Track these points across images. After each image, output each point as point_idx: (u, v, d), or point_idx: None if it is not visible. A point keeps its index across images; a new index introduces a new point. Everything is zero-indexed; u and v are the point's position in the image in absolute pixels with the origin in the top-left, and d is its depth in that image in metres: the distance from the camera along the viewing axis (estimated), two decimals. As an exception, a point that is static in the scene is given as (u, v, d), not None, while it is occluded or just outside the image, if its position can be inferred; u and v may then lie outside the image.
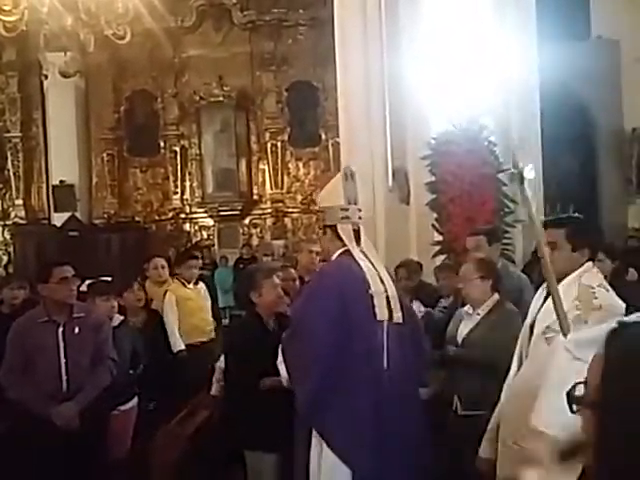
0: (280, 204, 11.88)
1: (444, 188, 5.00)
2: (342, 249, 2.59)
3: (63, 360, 3.08)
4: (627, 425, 0.82)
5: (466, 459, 2.62)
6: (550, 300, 2.21)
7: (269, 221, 11.94)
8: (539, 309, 2.25)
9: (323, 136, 11.75)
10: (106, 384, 3.19)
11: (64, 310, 3.13)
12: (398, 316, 2.52)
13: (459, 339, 3.00)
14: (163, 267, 5.01)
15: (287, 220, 11.94)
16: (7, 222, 11.90)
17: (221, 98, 11.54)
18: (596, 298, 1.98)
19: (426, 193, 5.12)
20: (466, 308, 3.05)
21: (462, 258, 3.85)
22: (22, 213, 11.83)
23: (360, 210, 2.68)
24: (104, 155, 12.04)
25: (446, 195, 4.99)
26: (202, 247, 10.79)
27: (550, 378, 1.94)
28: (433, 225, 5.10)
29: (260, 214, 11.99)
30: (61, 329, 3.10)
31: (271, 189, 11.89)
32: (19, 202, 11.87)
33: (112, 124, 12.02)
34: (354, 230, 2.63)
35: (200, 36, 11.86)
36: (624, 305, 2.11)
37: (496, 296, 2.98)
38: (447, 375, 3.14)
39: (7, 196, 12.03)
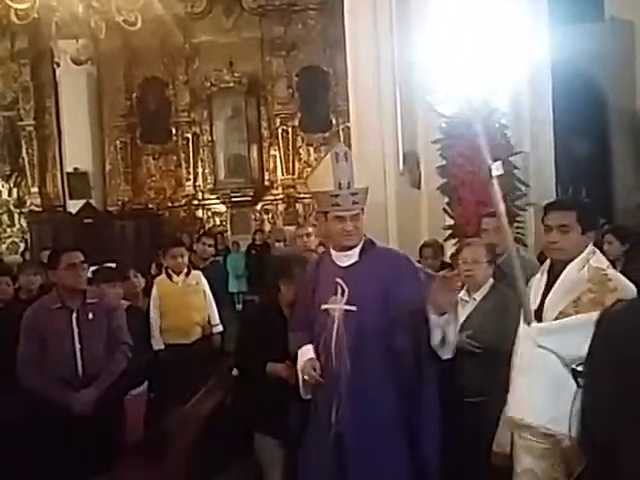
0: (291, 190, 11.90)
1: (455, 172, 4.98)
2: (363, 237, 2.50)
3: (78, 346, 3.08)
4: (600, 390, 0.85)
5: (471, 447, 2.63)
6: (559, 285, 2.20)
7: (281, 207, 11.98)
8: (543, 294, 2.25)
9: (334, 121, 11.72)
10: (122, 369, 3.23)
11: (77, 296, 3.14)
12: None
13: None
14: (182, 256, 4.58)
15: (299, 206, 11.96)
16: (23, 210, 12.05)
17: (232, 84, 11.54)
18: (610, 280, 1.96)
19: (437, 177, 5.12)
20: (461, 294, 2.90)
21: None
22: (37, 201, 11.97)
23: (356, 193, 2.40)
24: (117, 142, 12.12)
25: (457, 178, 4.97)
26: (215, 233, 10.86)
27: (515, 366, 1.96)
28: (444, 209, 5.10)
29: (272, 200, 12.03)
30: (75, 315, 3.10)
31: (282, 175, 11.91)
32: (34, 190, 12.01)
33: (124, 111, 12.08)
34: (337, 217, 2.39)
35: (210, 22, 11.83)
36: (634, 287, 2.11)
37: (491, 280, 2.96)
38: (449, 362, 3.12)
39: (23, 184, 12.17)
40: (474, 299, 2.94)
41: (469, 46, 5.00)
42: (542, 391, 1.99)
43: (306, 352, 2.51)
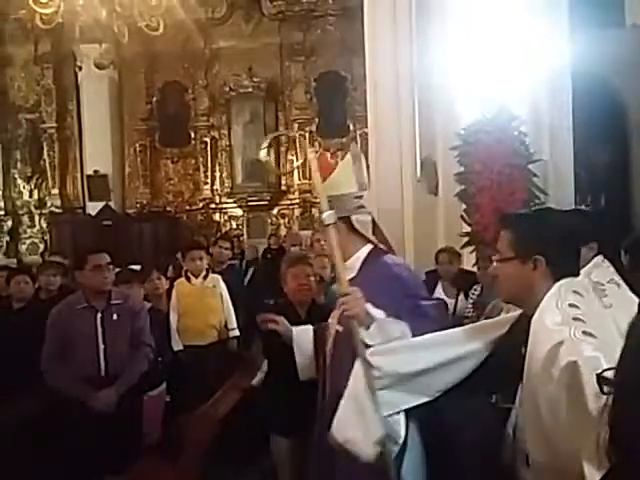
0: (308, 194, 11.92)
1: (473, 178, 4.97)
2: (368, 245, 2.18)
3: (102, 346, 3.14)
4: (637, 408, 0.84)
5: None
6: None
7: (297, 211, 12.01)
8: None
9: (351, 127, 11.74)
10: (144, 370, 3.27)
11: (102, 297, 3.19)
12: None
13: None
14: (201, 259, 4.67)
15: (315, 210, 11.98)
16: (44, 211, 12.21)
17: (250, 89, 11.62)
18: (606, 296, 1.90)
19: (454, 184, 5.11)
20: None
21: (491, 248, 3.85)
22: (58, 202, 12.11)
23: (361, 197, 2.26)
24: (137, 146, 12.25)
25: (475, 186, 4.96)
26: (231, 237, 10.92)
27: (348, 387, 1.92)
28: (462, 216, 5.09)
29: (288, 204, 12.07)
30: (99, 315, 3.16)
31: (299, 180, 11.95)
32: (55, 192, 12.16)
33: (144, 115, 12.22)
34: (372, 220, 2.24)
35: (230, 27, 11.94)
36: (637, 300, 2.02)
37: None
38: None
39: (43, 186, 12.34)
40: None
41: (488, 53, 5.02)
42: (345, 409, 1.91)
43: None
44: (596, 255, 2.08)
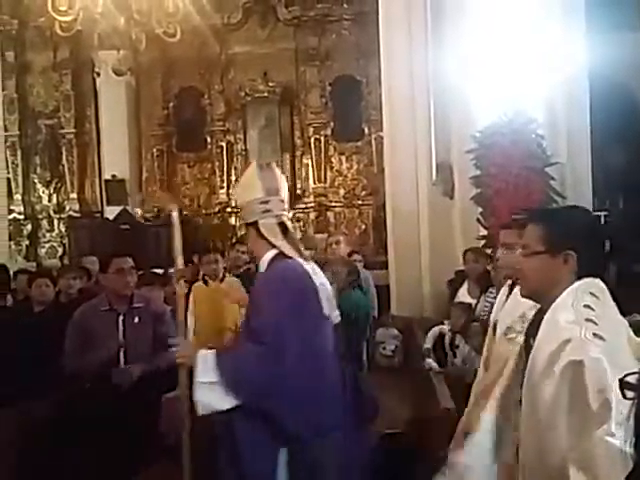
0: (323, 198, 11.96)
1: (489, 182, 4.96)
2: (273, 250, 2.24)
3: (122, 348, 3.19)
4: None
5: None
6: (511, 299, 2.20)
7: (312, 215, 12.03)
8: (502, 308, 2.23)
9: (366, 130, 11.76)
10: (164, 366, 3.29)
11: (124, 299, 3.23)
12: (336, 315, 2.27)
13: None
14: (217, 262, 4.65)
15: (330, 214, 12.00)
16: (62, 215, 12.37)
17: (266, 94, 11.69)
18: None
19: (470, 187, 5.10)
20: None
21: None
22: (76, 207, 12.25)
23: (283, 201, 2.32)
24: (154, 150, 12.36)
25: (491, 189, 4.95)
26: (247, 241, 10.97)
27: None
28: (478, 219, 5.08)
29: (303, 208, 12.09)
30: (121, 318, 3.21)
31: (314, 183, 11.98)
32: (73, 196, 12.30)
33: (161, 120, 12.33)
34: (279, 224, 2.27)
35: (246, 33, 12.01)
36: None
37: None
38: None
39: (62, 190, 12.50)
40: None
41: (505, 55, 5.01)
42: None
43: None
44: None
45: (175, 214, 2.47)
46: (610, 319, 1.48)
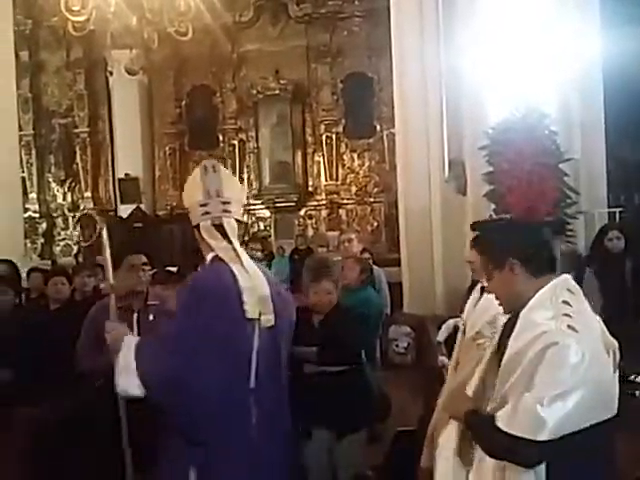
0: (335, 195, 11.96)
1: (502, 178, 4.93)
2: (212, 253, 2.24)
3: None
4: None
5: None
6: (482, 303, 2.18)
7: (324, 212, 12.05)
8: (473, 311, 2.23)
9: (378, 127, 11.74)
10: None
11: (139, 297, 3.26)
12: (268, 319, 2.18)
13: None
14: None
15: (342, 211, 12.01)
16: (76, 214, 12.49)
17: (277, 91, 11.71)
18: None
19: (483, 184, 5.07)
20: None
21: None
22: (90, 205, 12.38)
23: (227, 202, 2.27)
24: (166, 149, 12.45)
25: (504, 185, 4.92)
26: (259, 238, 11.01)
27: None
28: (491, 216, 5.05)
29: (315, 205, 12.11)
30: (135, 315, 3.23)
31: (326, 181, 11.99)
32: (88, 195, 12.43)
33: (174, 118, 12.41)
34: (214, 225, 2.25)
35: (257, 31, 12.04)
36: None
37: None
38: None
39: (76, 189, 12.62)
40: None
41: (517, 51, 4.97)
42: None
43: None
44: None
45: (105, 232, 2.62)
46: (584, 314, 1.56)
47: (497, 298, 1.73)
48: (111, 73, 11.77)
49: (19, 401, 3.52)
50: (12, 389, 3.61)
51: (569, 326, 1.48)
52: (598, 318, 1.61)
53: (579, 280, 3.25)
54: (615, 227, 4.47)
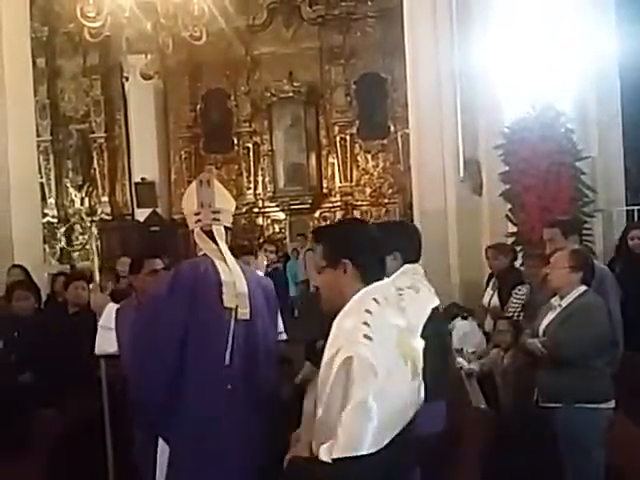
0: (349, 197, 11.95)
1: (518, 177, 4.90)
2: (202, 252, 2.58)
3: None
4: None
5: (542, 453, 2.62)
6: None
7: (339, 214, 12.02)
8: None
9: (392, 128, 11.70)
10: None
11: None
12: (244, 312, 2.44)
13: (541, 329, 2.99)
14: (248, 264, 4.76)
15: (356, 213, 11.98)
16: (94, 218, 12.61)
17: (291, 94, 11.73)
18: (403, 300, 1.85)
19: (499, 183, 5.05)
20: (554, 299, 3.01)
21: (541, 248, 3.80)
22: (108, 209, 12.49)
23: (217, 212, 2.58)
24: (182, 153, 12.53)
25: (520, 184, 4.89)
26: (274, 240, 11.03)
27: None
28: (507, 216, 5.03)
29: (330, 207, 12.11)
30: None
31: (340, 182, 11.99)
32: (105, 199, 12.55)
33: (189, 122, 12.48)
34: (204, 231, 2.56)
35: (271, 33, 12.08)
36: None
37: (582, 288, 2.93)
38: (528, 365, 3.14)
39: (94, 194, 12.76)
40: (560, 305, 2.97)
41: (533, 50, 4.95)
42: None
43: None
44: (404, 264, 2.39)
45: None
46: (383, 324, 1.61)
47: (321, 293, 1.80)
48: (127, 78, 11.92)
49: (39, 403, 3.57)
50: (33, 392, 3.67)
51: (365, 335, 1.55)
52: (399, 326, 1.64)
53: (598, 280, 3.23)
54: (635, 227, 4.41)
